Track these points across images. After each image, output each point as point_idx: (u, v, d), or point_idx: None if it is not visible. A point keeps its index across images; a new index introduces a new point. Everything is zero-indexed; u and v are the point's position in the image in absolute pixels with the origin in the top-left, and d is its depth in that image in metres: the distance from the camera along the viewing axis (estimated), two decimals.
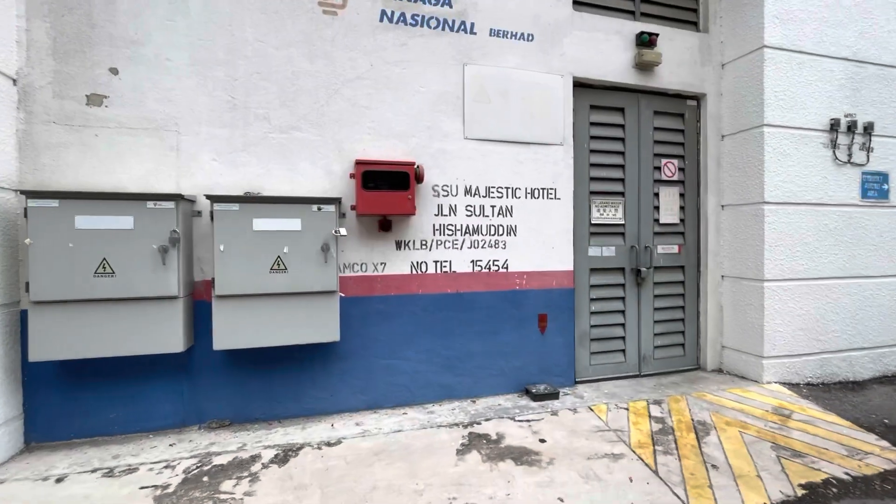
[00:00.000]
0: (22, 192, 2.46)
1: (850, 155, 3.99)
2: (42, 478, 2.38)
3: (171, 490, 2.30)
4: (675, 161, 4.10)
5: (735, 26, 4.00)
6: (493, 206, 3.53)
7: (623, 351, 3.98)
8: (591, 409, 3.31)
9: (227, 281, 2.75)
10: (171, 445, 2.74)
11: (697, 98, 4.18)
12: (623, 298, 3.96)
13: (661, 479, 2.51)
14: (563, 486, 2.42)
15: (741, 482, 2.48)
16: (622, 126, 3.93)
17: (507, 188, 3.56)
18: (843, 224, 3.98)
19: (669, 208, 4.09)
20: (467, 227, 3.47)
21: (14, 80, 2.63)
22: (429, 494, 2.32)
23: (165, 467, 2.50)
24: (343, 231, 2.93)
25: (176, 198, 2.66)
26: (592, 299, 3.89)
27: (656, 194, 4.04)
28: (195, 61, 2.91)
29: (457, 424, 3.06)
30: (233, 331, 2.78)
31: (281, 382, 3.10)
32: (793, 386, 3.84)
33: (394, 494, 2.32)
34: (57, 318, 2.52)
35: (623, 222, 3.94)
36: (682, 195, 4.15)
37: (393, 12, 3.28)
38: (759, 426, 3.11)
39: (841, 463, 2.69)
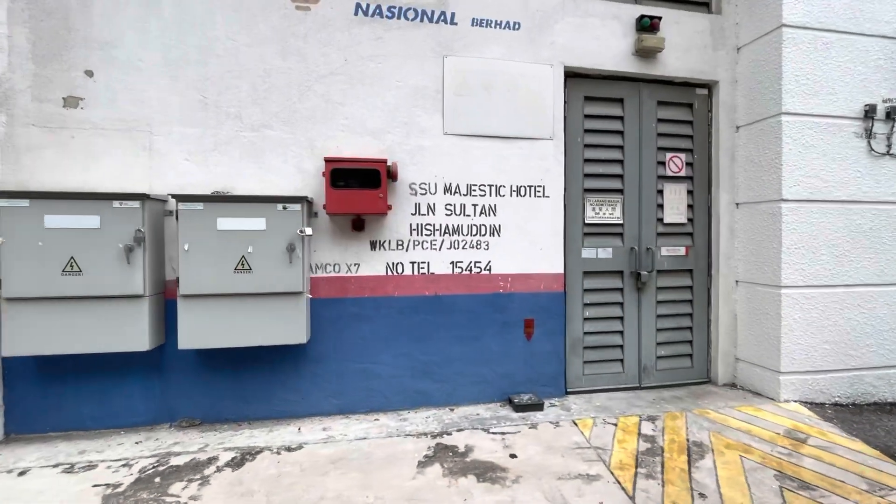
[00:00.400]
0: None
1: (889, 146, 3.51)
2: (7, 470, 2.44)
3: (120, 490, 2.30)
4: (683, 155, 3.76)
5: (752, 5, 3.62)
6: (474, 205, 3.36)
7: (621, 361, 3.69)
8: (575, 424, 3.07)
9: (192, 280, 2.74)
10: (136, 443, 2.77)
11: (709, 86, 3.82)
12: (621, 304, 3.67)
13: None
14: None
15: None
16: (621, 118, 3.64)
17: (490, 186, 3.37)
18: (882, 224, 3.50)
19: (675, 207, 3.75)
20: (447, 226, 3.32)
21: None
22: None
23: (123, 465, 2.51)
24: (308, 231, 2.85)
25: (141, 197, 2.67)
26: (586, 304, 3.62)
27: (660, 191, 3.72)
28: (167, 61, 2.93)
29: (426, 434, 2.92)
30: (198, 330, 2.77)
31: (251, 383, 3.07)
32: (816, 406, 3.42)
33: None
34: (29, 314, 2.59)
35: (621, 222, 3.65)
36: (690, 192, 3.80)
37: (368, 5, 3.17)
38: (766, 451, 2.77)
39: (858, 499, 2.34)
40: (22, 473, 2.42)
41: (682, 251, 3.77)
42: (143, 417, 2.95)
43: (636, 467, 2.59)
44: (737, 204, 3.78)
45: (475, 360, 3.37)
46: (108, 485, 2.34)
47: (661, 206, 3.73)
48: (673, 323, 3.78)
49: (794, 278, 3.38)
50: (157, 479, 2.39)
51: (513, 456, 2.69)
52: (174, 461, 2.56)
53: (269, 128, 3.06)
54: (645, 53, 3.56)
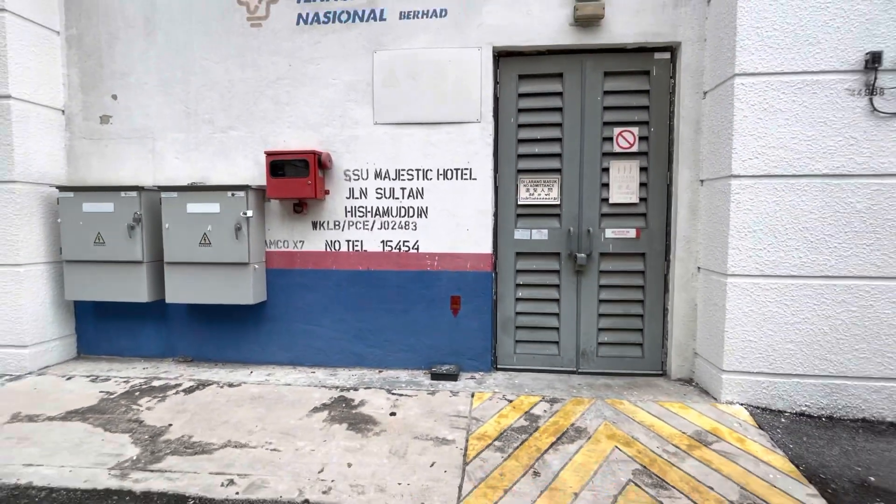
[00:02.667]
0: (54, 187, 3.70)
1: None
2: (61, 375, 3.63)
3: (113, 396, 3.28)
4: (635, 129, 3.44)
5: None
6: (403, 189, 3.63)
7: (556, 343, 3.64)
8: (472, 395, 3.23)
9: (172, 251, 3.60)
10: (144, 368, 3.79)
11: (672, 48, 3.39)
12: (557, 286, 3.60)
13: (465, 471, 2.44)
14: (364, 454, 2.58)
15: (548, 494, 2.25)
16: (560, 94, 3.49)
17: (417, 170, 3.60)
18: (889, 203, 2.81)
19: (625, 185, 3.48)
20: (377, 208, 3.66)
21: (63, 111, 3.90)
22: (255, 436, 2.77)
23: (124, 381, 3.52)
24: (249, 213, 3.49)
25: (138, 189, 3.59)
26: (519, 284, 3.64)
27: (605, 170, 3.49)
28: (162, 82, 3.78)
29: (337, 387, 3.40)
30: (178, 289, 3.64)
31: (226, 334, 3.89)
32: (770, 413, 2.98)
33: (232, 429, 2.84)
34: (77, 271, 3.73)
35: (558, 202, 3.54)
36: (644, 169, 3.47)
37: (308, 13, 3.60)
38: (649, 446, 2.62)
39: None
40: (69, 378, 3.58)
41: (631, 233, 3.50)
42: (155, 352, 3.99)
43: (494, 440, 2.71)
44: (701, 181, 3.35)
45: (404, 330, 3.70)
46: (108, 392, 3.34)
47: (606, 186, 3.50)
48: (619, 309, 3.57)
49: (745, 266, 2.95)
50: (137, 393, 3.32)
51: (392, 414, 3.02)
52: (154, 383, 3.49)
53: (233, 129, 3.75)
54: (585, 22, 3.33)
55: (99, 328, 4.03)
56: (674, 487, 2.30)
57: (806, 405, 2.98)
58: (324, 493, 2.28)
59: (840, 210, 2.85)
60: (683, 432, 2.76)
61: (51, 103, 3.81)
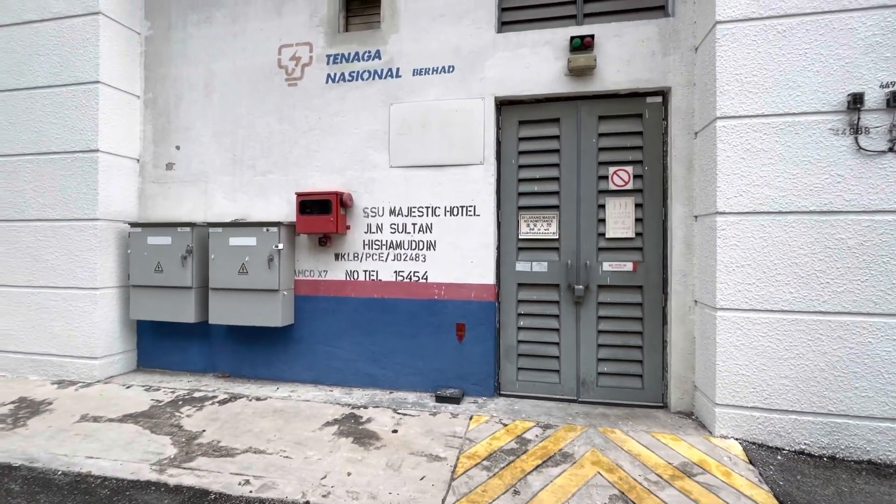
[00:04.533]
0: (127, 223, 4.41)
1: (893, 141, 2.80)
2: (122, 384, 4.22)
3: (161, 404, 3.79)
4: (630, 168, 3.64)
5: (707, 2, 3.32)
6: (414, 224, 4.00)
7: (557, 371, 3.78)
8: (470, 418, 3.44)
9: (216, 279, 4.16)
10: (188, 381, 4.32)
11: (663, 93, 3.59)
12: (557, 316, 3.77)
13: (451, 485, 2.66)
14: (363, 465, 2.87)
15: None
16: (557, 137, 3.77)
17: (427, 207, 3.97)
18: (881, 240, 2.82)
19: (621, 221, 3.65)
20: (391, 242, 4.05)
21: (138, 160, 4.67)
22: (273, 444, 3.14)
23: (171, 392, 4.04)
24: (280, 246, 3.99)
25: (191, 224, 4.22)
26: (521, 314, 3.85)
27: (602, 206, 3.69)
28: (215, 134, 4.46)
29: (350, 405, 3.72)
30: (220, 312, 4.18)
31: (259, 353, 4.36)
32: (765, 449, 2.96)
33: (253, 437, 3.23)
34: (140, 295, 4.37)
35: (557, 237, 3.76)
36: (640, 206, 3.63)
37: (335, 74, 4.17)
38: (632, 474, 2.72)
39: None
40: (128, 387, 4.16)
41: (628, 266, 3.64)
42: (199, 367, 4.53)
43: (483, 460, 2.91)
44: (695, 217, 3.46)
45: (413, 354, 3.99)
46: (157, 400, 3.87)
47: (602, 221, 3.69)
48: (618, 340, 3.67)
49: (735, 300, 3.02)
50: (180, 402, 3.82)
51: (394, 431, 3.29)
52: (195, 394, 3.99)
53: (271, 173, 4.33)
54: (578, 73, 3.63)
55: (155, 345, 4.65)
56: None
57: (806, 443, 2.93)
58: (323, 496, 2.58)
59: (831, 246, 2.88)
60: (669, 463, 2.83)
61: (129, 154, 4.58)
